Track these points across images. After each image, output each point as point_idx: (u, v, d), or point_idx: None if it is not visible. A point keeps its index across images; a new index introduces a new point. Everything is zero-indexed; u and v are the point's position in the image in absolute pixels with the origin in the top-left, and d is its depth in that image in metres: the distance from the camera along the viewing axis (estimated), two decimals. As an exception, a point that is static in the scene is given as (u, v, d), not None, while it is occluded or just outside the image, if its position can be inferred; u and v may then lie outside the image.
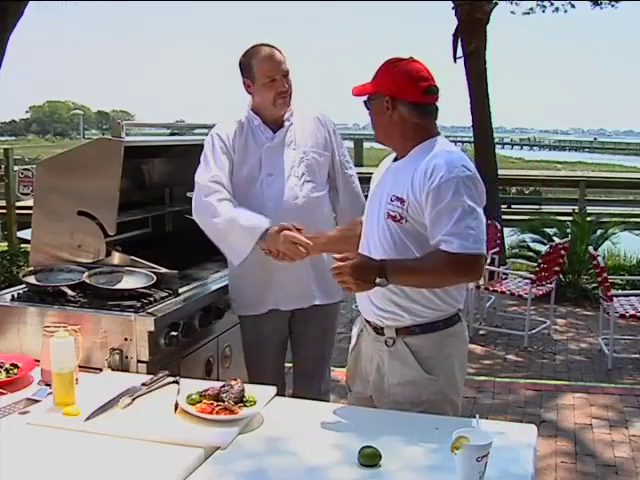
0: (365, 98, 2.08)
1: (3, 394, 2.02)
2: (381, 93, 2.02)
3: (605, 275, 5.24)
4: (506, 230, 7.94)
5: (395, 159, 2.11)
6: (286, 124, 2.62)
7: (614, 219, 8.11)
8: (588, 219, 7.82)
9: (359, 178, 2.81)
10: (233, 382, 1.91)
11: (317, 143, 2.64)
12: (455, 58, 8.17)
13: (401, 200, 1.96)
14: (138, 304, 2.36)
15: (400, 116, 2.01)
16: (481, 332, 5.92)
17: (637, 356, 5.34)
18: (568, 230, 7.55)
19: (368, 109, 2.08)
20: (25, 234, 6.52)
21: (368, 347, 2.14)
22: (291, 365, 2.84)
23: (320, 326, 2.68)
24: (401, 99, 2.00)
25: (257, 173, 2.58)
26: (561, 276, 6.72)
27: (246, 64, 2.55)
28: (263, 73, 2.51)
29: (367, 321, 2.13)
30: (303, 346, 2.73)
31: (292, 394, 2.70)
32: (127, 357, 2.28)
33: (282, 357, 2.76)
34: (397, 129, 2.03)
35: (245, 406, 1.87)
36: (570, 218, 8.10)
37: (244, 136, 2.61)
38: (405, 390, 2.04)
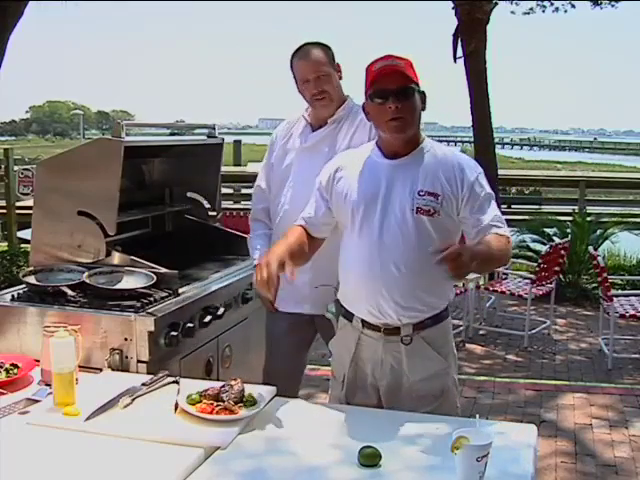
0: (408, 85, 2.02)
1: (3, 394, 2.02)
2: (419, 84, 2.03)
3: (605, 275, 5.24)
4: (506, 230, 7.91)
5: (386, 157, 2.07)
6: (327, 125, 2.54)
7: (614, 219, 8.11)
8: (588, 219, 7.82)
9: None
10: (233, 382, 1.91)
11: (350, 147, 2.47)
12: (455, 58, 8.17)
13: (434, 195, 2.00)
14: (138, 304, 2.36)
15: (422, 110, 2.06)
16: (481, 332, 5.92)
17: (637, 356, 5.35)
18: (568, 230, 7.55)
19: (406, 98, 1.99)
20: (25, 234, 6.54)
21: (375, 353, 2.08)
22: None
23: None
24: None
25: (288, 174, 2.58)
26: (561, 276, 6.73)
27: (290, 63, 2.53)
28: (298, 74, 2.50)
29: (370, 326, 2.07)
30: None
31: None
32: (127, 357, 2.28)
33: (297, 358, 2.73)
34: (419, 122, 2.06)
35: (245, 406, 1.87)
36: (570, 218, 8.11)
37: (289, 135, 2.62)
38: (429, 384, 2.05)
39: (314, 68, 2.47)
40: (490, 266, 2.10)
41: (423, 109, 2.06)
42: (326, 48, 2.52)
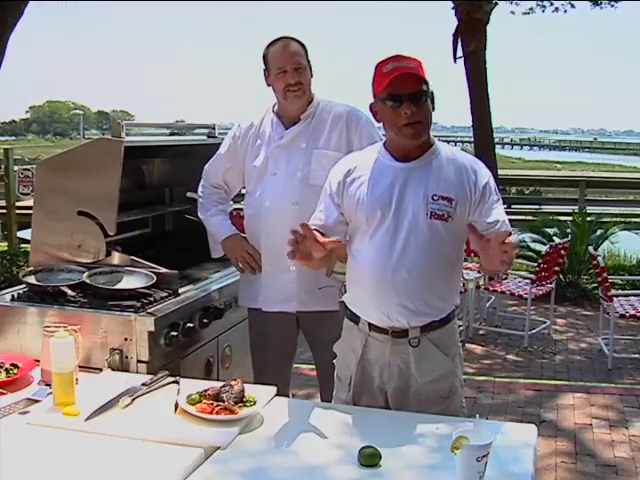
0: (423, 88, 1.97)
1: (3, 394, 2.02)
2: (429, 86, 2.00)
3: (605, 275, 5.24)
4: (506, 230, 7.90)
5: (396, 159, 2.04)
6: (301, 122, 2.56)
7: (614, 219, 8.11)
8: (588, 219, 7.82)
9: None
10: (233, 382, 1.91)
11: (328, 143, 2.54)
12: (455, 58, 8.19)
13: (448, 199, 1.98)
14: (138, 304, 2.36)
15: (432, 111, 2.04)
16: (481, 332, 5.92)
17: (637, 356, 5.35)
18: (568, 230, 7.55)
19: (421, 103, 1.96)
20: (25, 234, 6.53)
21: (382, 355, 2.07)
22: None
23: (334, 330, 2.41)
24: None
25: (264, 171, 2.59)
26: (561, 276, 6.73)
27: (265, 54, 2.54)
28: (275, 64, 2.50)
29: (377, 329, 2.06)
30: (318, 350, 2.69)
31: (321, 398, 2.73)
32: (127, 357, 2.28)
33: (284, 357, 2.75)
34: (430, 126, 2.04)
35: (245, 406, 1.87)
36: (570, 218, 8.11)
37: (259, 132, 2.62)
38: (437, 385, 2.05)
39: (293, 59, 2.48)
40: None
41: (433, 109, 2.02)
42: (302, 44, 2.54)
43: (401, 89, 1.93)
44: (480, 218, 2.02)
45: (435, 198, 1.98)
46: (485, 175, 2.05)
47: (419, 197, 1.99)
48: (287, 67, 2.47)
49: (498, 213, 2.04)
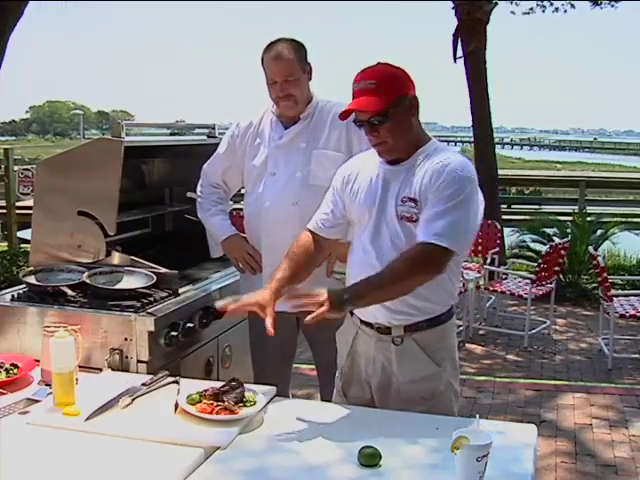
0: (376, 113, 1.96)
1: (3, 394, 2.02)
2: (402, 95, 1.96)
3: (605, 275, 5.25)
4: (506, 230, 7.95)
5: (388, 162, 2.06)
6: (301, 121, 2.55)
7: (614, 219, 8.12)
8: (588, 219, 7.83)
9: None
10: (233, 382, 1.91)
11: (328, 142, 2.53)
12: (455, 58, 8.18)
13: (414, 200, 1.98)
14: (138, 304, 2.36)
15: (417, 113, 2.02)
16: (481, 332, 5.93)
17: (637, 356, 5.35)
18: (568, 230, 7.56)
19: (380, 125, 1.95)
20: (25, 234, 6.54)
21: (369, 349, 2.11)
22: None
23: (334, 330, 2.38)
24: (414, 94, 2.01)
25: (264, 171, 2.58)
26: (561, 276, 6.73)
27: (262, 58, 2.51)
28: (267, 73, 2.49)
29: (366, 323, 2.10)
30: (318, 350, 2.69)
31: (321, 398, 2.71)
32: (127, 357, 2.28)
33: (284, 357, 2.75)
34: (414, 129, 2.02)
35: (245, 406, 1.87)
36: (570, 218, 8.11)
37: (258, 131, 2.61)
38: (418, 386, 2.04)
39: (283, 71, 2.45)
40: (381, 297, 1.94)
41: (413, 114, 2.00)
42: (299, 47, 2.50)
43: (359, 116, 1.99)
44: (421, 222, 1.95)
45: (404, 200, 1.99)
46: (446, 178, 1.91)
47: (394, 199, 2.02)
48: (277, 79, 2.46)
49: (437, 224, 1.89)
